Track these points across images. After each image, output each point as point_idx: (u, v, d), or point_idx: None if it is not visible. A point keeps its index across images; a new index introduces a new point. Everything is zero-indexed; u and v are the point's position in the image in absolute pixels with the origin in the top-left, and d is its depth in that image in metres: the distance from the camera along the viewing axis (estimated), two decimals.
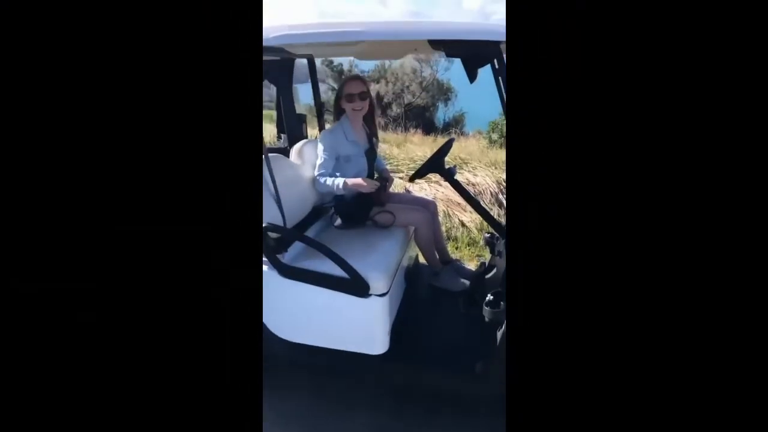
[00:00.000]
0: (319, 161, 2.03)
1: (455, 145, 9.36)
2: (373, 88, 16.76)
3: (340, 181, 1.98)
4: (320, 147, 2.05)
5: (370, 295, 1.66)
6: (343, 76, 4.69)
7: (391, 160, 4.86)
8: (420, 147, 8.12)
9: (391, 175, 2.47)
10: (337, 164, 2.06)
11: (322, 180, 2.01)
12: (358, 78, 2.13)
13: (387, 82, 16.76)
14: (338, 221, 2.11)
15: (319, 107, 2.52)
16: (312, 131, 2.93)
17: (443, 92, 17.18)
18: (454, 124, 16.10)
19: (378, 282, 1.67)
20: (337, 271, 1.63)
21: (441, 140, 10.75)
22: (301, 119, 2.47)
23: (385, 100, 16.40)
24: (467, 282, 2.19)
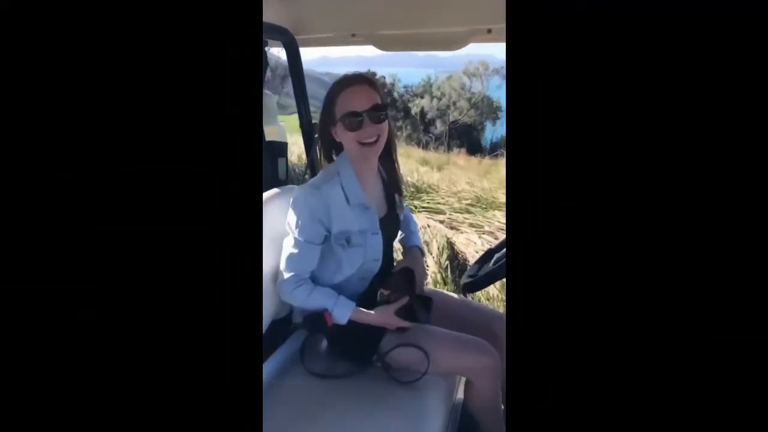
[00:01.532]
0: (290, 248, 0.98)
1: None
2: (417, 104, 15.84)
3: (342, 311, 0.97)
4: (293, 219, 0.97)
5: None
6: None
7: (431, 195, 3.83)
8: (465, 171, 7.05)
9: (429, 222, 1.42)
10: (326, 250, 1.01)
11: (296, 288, 0.98)
12: (363, 80, 0.98)
13: (432, 97, 15.86)
14: (318, 360, 1.05)
15: (308, 129, 1.35)
16: (294, 153, 1.92)
17: (492, 110, 16.02)
18: (503, 145, 14.90)
19: None
20: None
21: (487, 162, 9.62)
22: (275, 151, 1.33)
23: (429, 116, 15.47)
24: None
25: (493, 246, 1.16)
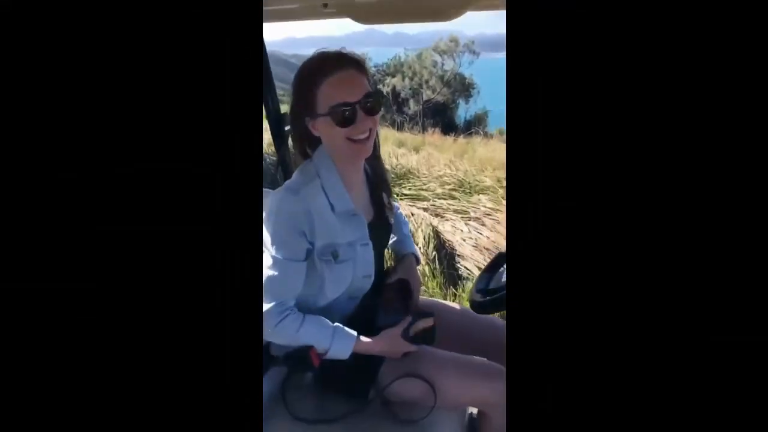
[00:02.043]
0: (268, 269, 0.80)
1: (483, 150, 8.00)
2: (388, 84, 15.45)
3: (342, 346, 0.81)
4: (268, 232, 0.81)
5: None
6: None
7: (412, 181, 3.65)
8: (442, 152, 6.91)
9: (413, 210, 1.26)
10: (310, 268, 0.84)
11: (281, 320, 0.80)
12: (349, 62, 0.78)
13: (404, 77, 15.50)
14: (304, 401, 0.88)
15: (275, 118, 1.14)
16: (264, 139, 1.71)
17: (465, 88, 15.81)
18: (476, 123, 14.73)
19: None
20: None
21: (462, 141, 9.49)
22: None
23: (402, 95, 15.15)
24: None
25: (500, 248, 1.00)
